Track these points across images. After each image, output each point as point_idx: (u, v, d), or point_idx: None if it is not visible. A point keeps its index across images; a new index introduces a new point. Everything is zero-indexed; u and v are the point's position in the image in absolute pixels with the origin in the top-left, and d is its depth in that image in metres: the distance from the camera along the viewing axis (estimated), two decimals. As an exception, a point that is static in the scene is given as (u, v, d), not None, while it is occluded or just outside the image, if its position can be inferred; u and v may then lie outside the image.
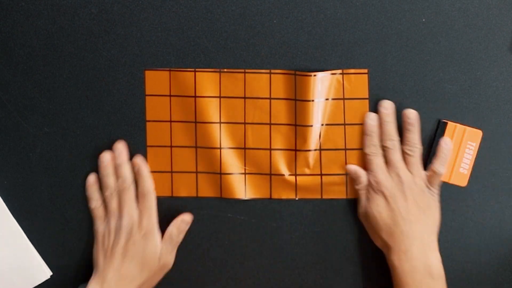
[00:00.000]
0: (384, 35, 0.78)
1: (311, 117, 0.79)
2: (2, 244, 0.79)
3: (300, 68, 0.79)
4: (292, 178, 0.79)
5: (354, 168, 0.78)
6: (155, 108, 0.79)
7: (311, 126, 0.79)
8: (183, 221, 0.78)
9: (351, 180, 0.79)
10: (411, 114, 0.76)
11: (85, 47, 0.79)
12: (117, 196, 0.77)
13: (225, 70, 0.79)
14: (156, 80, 0.79)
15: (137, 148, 0.80)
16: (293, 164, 0.79)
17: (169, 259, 0.78)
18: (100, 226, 0.78)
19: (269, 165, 0.79)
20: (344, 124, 0.79)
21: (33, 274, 0.80)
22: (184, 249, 0.80)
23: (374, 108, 0.79)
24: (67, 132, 0.80)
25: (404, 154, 0.76)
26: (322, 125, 0.79)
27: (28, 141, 0.80)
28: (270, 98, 0.79)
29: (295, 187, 0.79)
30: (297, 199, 0.80)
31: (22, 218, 0.80)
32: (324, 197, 0.80)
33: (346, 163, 0.79)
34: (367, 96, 0.79)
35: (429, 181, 0.76)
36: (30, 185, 0.80)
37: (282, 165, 0.79)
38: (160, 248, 0.76)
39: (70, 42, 0.79)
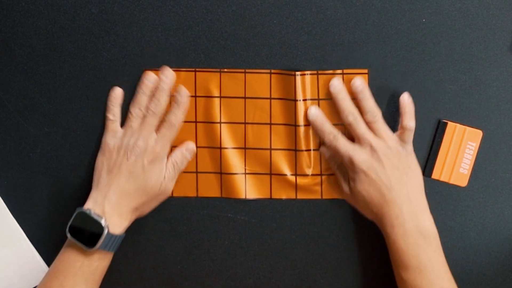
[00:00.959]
0: (384, 35, 0.78)
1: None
2: (2, 244, 0.79)
3: (300, 68, 0.79)
4: (292, 178, 0.79)
5: (323, 150, 0.78)
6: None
7: (311, 126, 0.79)
8: (187, 149, 0.78)
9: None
10: (357, 82, 0.76)
11: (85, 47, 0.79)
12: (142, 117, 0.77)
13: (225, 70, 0.79)
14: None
15: (137, 148, 0.80)
16: (293, 164, 0.79)
17: (169, 186, 0.78)
18: (110, 139, 0.77)
19: (269, 165, 0.79)
20: (344, 124, 0.79)
21: (33, 274, 0.80)
22: (184, 249, 0.80)
23: (374, 108, 0.79)
24: (67, 132, 0.80)
25: (367, 124, 0.76)
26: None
27: (28, 141, 0.80)
28: (270, 98, 0.79)
29: (295, 187, 0.79)
30: (297, 199, 0.80)
31: (22, 218, 0.80)
32: (324, 197, 0.80)
33: (346, 163, 0.79)
34: (367, 96, 0.79)
35: (401, 139, 0.75)
36: (30, 185, 0.80)
37: (282, 165, 0.79)
38: (163, 177, 0.76)
39: (70, 42, 0.79)
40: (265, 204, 0.80)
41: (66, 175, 0.80)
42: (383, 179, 0.73)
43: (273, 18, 0.79)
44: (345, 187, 0.77)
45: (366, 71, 0.79)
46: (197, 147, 0.80)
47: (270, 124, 0.79)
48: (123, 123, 0.78)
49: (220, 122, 0.79)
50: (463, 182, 0.78)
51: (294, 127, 0.79)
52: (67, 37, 0.79)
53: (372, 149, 0.74)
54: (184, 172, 0.80)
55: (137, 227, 0.80)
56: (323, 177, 0.79)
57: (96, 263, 0.73)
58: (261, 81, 0.79)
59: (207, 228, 0.80)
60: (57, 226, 0.80)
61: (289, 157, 0.79)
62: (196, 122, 0.80)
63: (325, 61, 0.79)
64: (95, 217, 0.72)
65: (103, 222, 0.72)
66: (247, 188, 0.80)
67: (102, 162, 0.77)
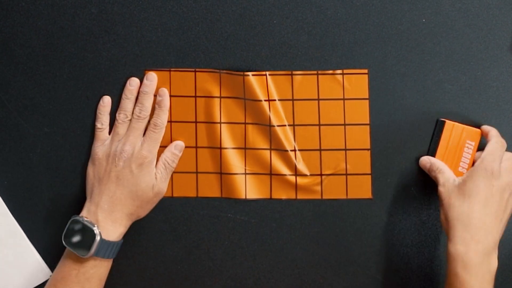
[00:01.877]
0: (384, 35, 0.78)
1: (311, 117, 0.79)
2: (2, 244, 0.79)
3: (300, 68, 0.79)
4: (292, 178, 0.79)
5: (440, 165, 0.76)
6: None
7: (311, 126, 0.79)
8: (176, 147, 0.78)
9: (351, 180, 0.79)
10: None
11: (85, 47, 0.79)
12: (129, 123, 0.77)
13: (224, 71, 0.79)
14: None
15: (137, 148, 0.80)
16: (293, 164, 0.79)
17: (163, 187, 0.78)
18: (99, 147, 0.78)
19: (269, 165, 0.79)
20: (344, 124, 0.79)
21: (33, 274, 0.80)
22: (184, 249, 0.80)
23: (374, 108, 0.79)
24: (67, 132, 0.80)
25: None
26: (322, 125, 0.79)
27: (28, 141, 0.80)
28: (268, 100, 0.79)
29: (295, 187, 0.79)
30: (297, 199, 0.80)
31: (22, 218, 0.80)
32: (324, 197, 0.80)
33: (345, 163, 0.79)
34: (367, 96, 0.79)
35: None
36: (30, 185, 0.80)
37: (282, 165, 0.79)
38: (154, 179, 0.76)
39: (70, 42, 0.79)
40: (265, 204, 0.80)
41: (66, 175, 0.80)
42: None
43: (273, 18, 0.79)
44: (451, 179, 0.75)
45: (366, 71, 0.79)
46: (197, 147, 0.80)
47: (270, 125, 0.79)
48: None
49: (220, 122, 0.79)
50: None
51: (293, 127, 0.79)
52: (67, 37, 0.79)
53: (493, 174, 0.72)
54: (184, 172, 0.80)
55: (137, 227, 0.80)
56: (323, 177, 0.79)
57: (92, 270, 0.73)
58: (259, 83, 0.79)
59: (207, 228, 0.80)
60: (57, 226, 0.80)
61: (289, 157, 0.79)
62: (196, 122, 0.80)
63: (325, 61, 0.79)
64: (88, 224, 0.73)
65: (95, 230, 0.72)
66: (247, 188, 0.80)
67: (92, 172, 0.77)
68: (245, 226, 0.80)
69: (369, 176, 0.79)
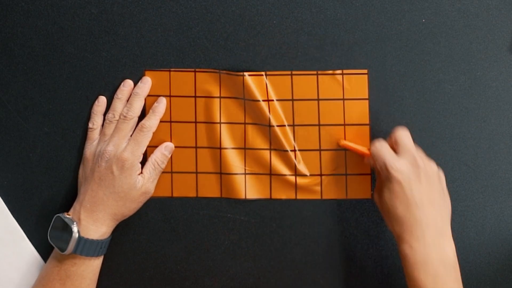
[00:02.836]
0: (384, 35, 0.78)
1: (310, 117, 0.79)
2: (2, 244, 0.79)
3: (300, 68, 0.79)
4: (292, 179, 0.79)
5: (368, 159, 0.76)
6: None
7: (311, 126, 0.79)
8: (166, 148, 0.78)
9: (351, 180, 0.79)
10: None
11: (85, 47, 0.79)
12: (116, 123, 0.77)
13: (224, 72, 0.79)
14: (156, 80, 0.79)
15: (137, 148, 0.80)
16: (293, 164, 0.79)
17: (151, 187, 0.77)
18: (87, 147, 0.78)
19: (269, 165, 0.79)
20: (344, 125, 0.79)
21: (32, 273, 0.80)
22: (184, 249, 0.80)
23: (374, 108, 0.79)
24: (67, 132, 0.80)
25: None
26: (322, 125, 0.79)
27: (28, 141, 0.80)
28: (268, 100, 0.79)
29: (295, 187, 0.79)
30: (297, 199, 0.80)
31: (22, 218, 0.80)
32: (324, 197, 0.80)
33: (345, 163, 0.79)
34: (367, 97, 0.79)
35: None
36: (30, 185, 0.80)
37: (282, 165, 0.79)
38: (137, 181, 0.75)
39: (70, 42, 0.79)
40: (265, 204, 0.80)
41: (66, 175, 0.80)
42: (415, 195, 0.70)
43: (273, 19, 0.79)
44: (376, 193, 0.75)
45: (366, 71, 0.79)
46: (196, 147, 0.80)
47: (270, 125, 0.79)
48: None
49: (220, 122, 0.79)
50: None
51: (292, 127, 0.79)
52: (67, 37, 0.79)
53: (414, 162, 0.71)
54: (184, 172, 0.80)
55: (137, 227, 0.80)
56: (323, 177, 0.79)
57: (73, 268, 0.73)
58: (259, 83, 0.79)
59: (207, 228, 0.80)
60: (57, 226, 0.80)
61: (289, 157, 0.79)
62: (196, 122, 0.80)
63: (325, 61, 0.79)
64: (68, 221, 0.73)
65: (73, 227, 0.73)
66: (247, 188, 0.80)
67: (81, 172, 0.78)
68: (245, 226, 0.80)
69: (369, 176, 0.79)
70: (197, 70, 0.79)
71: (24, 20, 0.79)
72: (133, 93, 0.78)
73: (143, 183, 0.76)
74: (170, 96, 0.79)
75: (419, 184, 0.70)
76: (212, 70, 0.79)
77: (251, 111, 0.79)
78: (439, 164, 0.76)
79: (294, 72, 0.79)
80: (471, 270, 0.79)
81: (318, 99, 0.79)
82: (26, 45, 0.79)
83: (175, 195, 0.80)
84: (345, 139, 0.79)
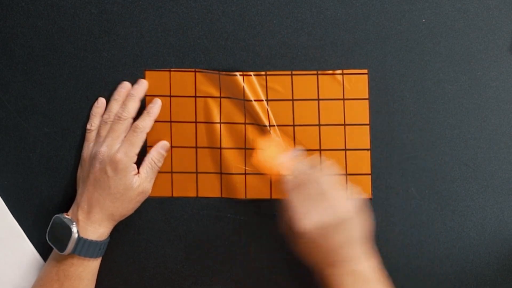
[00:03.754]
0: (384, 35, 0.78)
1: (310, 117, 0.79)
2: (2, 244, 0.79)
3: (300, 68, 0.79)
4: (292, 178, 0.79)
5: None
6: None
7: (311, 126, 0.79)
8: (162, 147, 0.79)
9: (351, 180, 0.79)
10: None
11: (85, 47, 0.79)
12: (111, 124, 0.77)
13: (224, 72, 0.79)
14: (156, 81, 0.79)
15: (137, 148, 0.80)
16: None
17: (148, 186, 0.77)
18: (84, 149, 0.78)
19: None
20: (344, 125, 0.79)
21: (32, 274, 0.80)
22: (184, 249, 0.80)
23: (374, 108, 0.79)
24: (67, 132, 0.80)
25: None
26: (322, 125, 0.79)
27: (28, 141, 0.80)
28: (267, 100, 0.79)
29: (295, 187, 0.79)
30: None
31: (22, 218, 0.80)
32: (324, 197, 0.80)
33: (345, 164, 0.79)
34: (367, 97, 0.79)
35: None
36: (30, 185, 0.80)
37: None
38: (133, 181, 0.75)
39: (70, 42, 0.79)
40: (265, 204, 0.80)
41: (65, 175, 0.80)
42: (329, 242, 0.69)
43: (273, 19, 0.79)
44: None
45: (366, 71, 0.79)
46: (197, 147, 0.80)
47: (269, 125, 0.79)
48: None
49: (220, 122, 0.79)
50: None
51: (292, 128, 0.79)
52: (67, 38, 0.79)
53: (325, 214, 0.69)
54: (184, 172, 0.80)
55: (137, 227, 0.80)
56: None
57: (72, 269, 0.73)
58: (259, 83, 0.79)
59: (207, 228, 0.80)
60: (57, 226, 0.80)
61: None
62: (195, 122, 0.80)
63: (325, 61, 0.79)
64: (67, 222, 0.73)
65: (73, 227, 0.73)
66: (247, 188, 0.80)
67: (79, 172, 0.79)
68: (245, 226, 0.80)
69: (369, 176, 0.79)
70: (197, 70, 0.79)
71: (24, 20, 0.79)
72: (129, 95, 0.78)
73: (140, 182, 0.76)
74: (170, 96, 0.79)
75: (333, 232, 0.68)
76: (212, 70, 0.79)
77: (251, 111, 0.79)
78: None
79: (294, 72, 0.79)
80: (471, 270, 0.79)
81: (318, 99, 0.79)
82: (26, 45, 0.79)
83: (175, 195, 0.80)
84: (345, 139, 0.79)
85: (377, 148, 0.79)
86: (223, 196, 0.80)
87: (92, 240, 0.73)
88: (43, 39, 0.79)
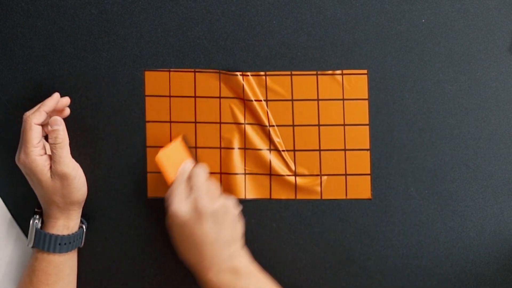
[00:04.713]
0: (384, 36, 0.78)
1: (310, 117, 0.79)
2: (2, 244, 0.79)
3: (300, 68, 0.79)
4: (292, 179, 0.79)
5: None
6: (154, 108, 0.79)
7: (311, 126, 0.79)
8: (51, 122, 0.74)
9: (351, 180, 0.79)
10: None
11: (85, 47, 0.79)
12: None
13: (224, 72, 0.79)
14: (155, 81, 0.79)
15: (136, 148, 0.80)
16: (292, 164, 0.79)
17: (63, 167, 0.73)
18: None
19: (269, 166, 0.79)
20: (344, 125, 0.79)
21: (33, 274, 0.80)
22: (184, 249, 0.80)
23: (374, 108, 0.79)
24: (67, 132, 0.80)
25: None
26: (322, 125, 0.79)
27: (28, 141, 0.80)
28: (268, 100, 0.79)
29: (295, 187, 0.80)
30: (297, 199, 0.80)
31: (22, 218, 0.80)
32: (324, 197, 0.80)
33: (345, 164, 0.79)
34: (366, 97, 0.79)
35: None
36: (30, 185, 0.80)
37: (282, 166, 0.79)
38: (42, 166, 0.73)
39: (70, 42, 0.79)
40: (265, 204, 0.80)
41: (66, 175, 0.80)
42: (197, 235, 0.72)
43: (273, 19, 0.79)
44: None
45: (365, 71, 0.79)
46: (196, 147, 0.80)
47: (269, 125, 0.79)
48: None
49: (220, 123, 0.80)
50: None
51: (292, 128, 0.79)
52: (67, 38, 0.79)
53: (196, 205, 0.72)
54: (184, 172, 0.80)
55: (138, 227, 0.80)
56: (323, 177, 0.79)
57: (36, 263, 0.74)
58: (259, 83, 0.79)
59: (207, 228, 0.80)
60: (57, 226, 0.80)
61: (288, 157, 0.79)
62: (195, 122, 0.80)
63: (325, 61, 0.79)
64: (33, 215, 0.76)
65: (32, 220, 0.76)
66: (247, 188, 0.80)
67: None
68: (245, 226, 0.80)
69: (369, 177, 0.79)
70: (197, 70, 0.79)
71: (24, 20, 0.79)
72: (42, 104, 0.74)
73: (53, 168, 0.73)
74: (170, 96, 0.79)
75: (200, 225, 0.71)
76: (212, 70, 0.79)
77: (251, 111, 0.79)
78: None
79: (294, 72, 0.79)
80: (471, 270, 0.79)
81: (318, 99, 0.79)
82: (26, 45, 0.79)
83: (175, 195, 0.80)
84: (344, 139, 0.79)
85: (376, 148, 0.79)
86: (223, 196, 0.80)
87: (52, 234, 0.74)
88: (43, 39, 0.79)
